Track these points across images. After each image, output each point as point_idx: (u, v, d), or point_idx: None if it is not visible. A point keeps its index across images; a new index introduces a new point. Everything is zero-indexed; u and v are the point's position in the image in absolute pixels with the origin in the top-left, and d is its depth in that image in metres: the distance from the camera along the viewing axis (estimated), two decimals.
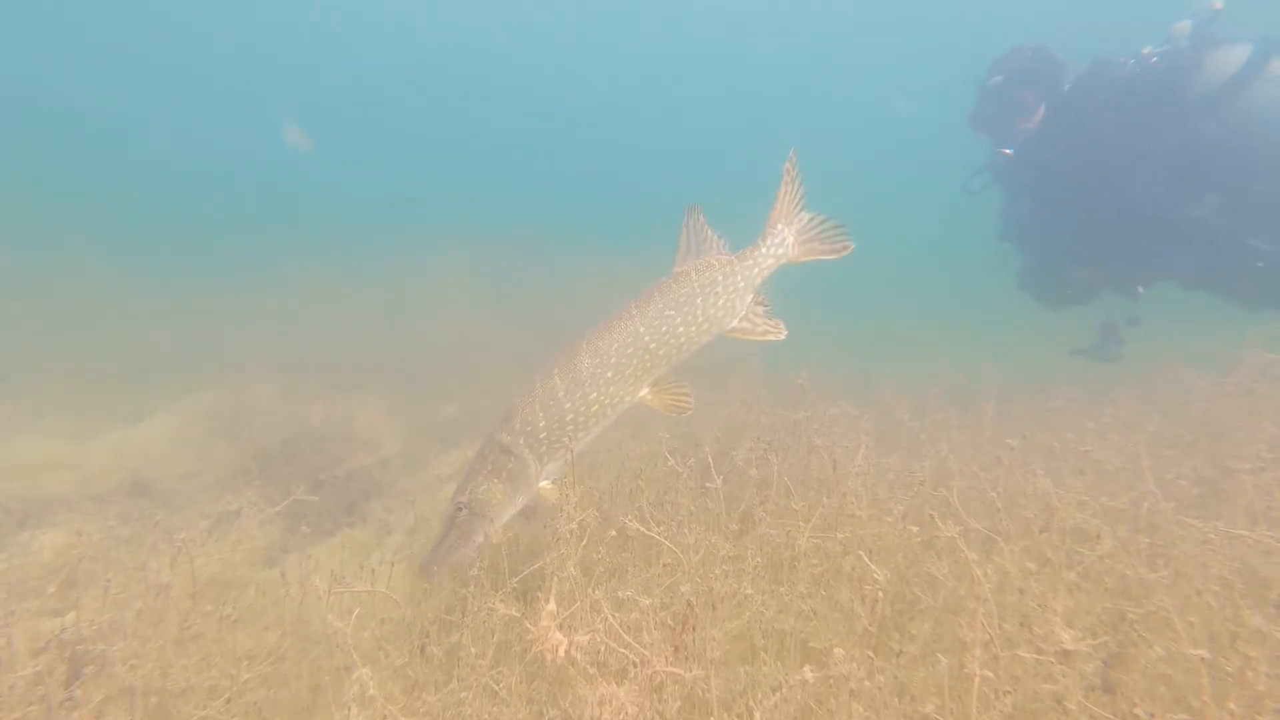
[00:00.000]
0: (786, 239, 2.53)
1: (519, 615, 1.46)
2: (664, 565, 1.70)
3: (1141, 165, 5.04)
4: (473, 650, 1.57)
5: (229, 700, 2.01)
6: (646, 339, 2.44)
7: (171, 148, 36.55)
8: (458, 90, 41.20)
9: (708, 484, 1.95)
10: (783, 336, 2.47)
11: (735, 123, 41.91)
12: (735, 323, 2.52)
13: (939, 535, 1.94)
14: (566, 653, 1.59)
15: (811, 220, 2.54)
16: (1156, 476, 1.94)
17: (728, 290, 2.50)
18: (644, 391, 2.51)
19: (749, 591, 1.58)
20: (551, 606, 1.75)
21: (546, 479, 2.57)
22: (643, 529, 1.66)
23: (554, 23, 34.80)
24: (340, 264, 12.14)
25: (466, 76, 39.96)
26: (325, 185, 37.59)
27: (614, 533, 1.75)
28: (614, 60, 38.59)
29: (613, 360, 2.44)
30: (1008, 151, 5.58)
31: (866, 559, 1.39)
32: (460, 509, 2.44)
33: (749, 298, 2.53)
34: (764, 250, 2.54)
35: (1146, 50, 5.24)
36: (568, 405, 2.45)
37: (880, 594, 1.17)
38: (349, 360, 7.58)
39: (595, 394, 2.45)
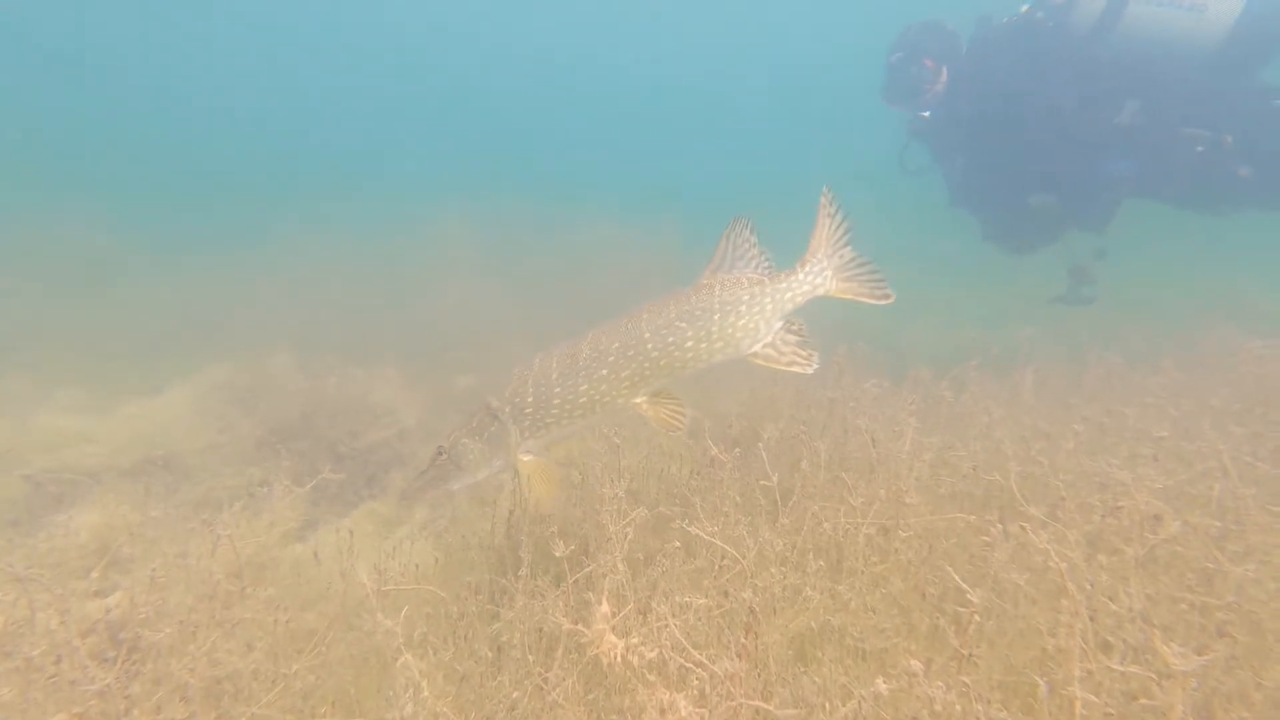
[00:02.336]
0: (825, 271, 2.39)
1: (578, 626, 1.42)
2: (720, 565, 1.66)
3: (1048, 89, 5.42)
4: (530, 658, 1.54)
5: (281, 688, 2.02)
6: (650, 346, 2.33)
7: (179, 117, 35.83)
8: (463, 54, 40.08)
9: (763, 481, 1.90)
10: (811, 370, 2.32)
11: (741, 91, 40.82)
12: (758, 348, 2.37)
13: (992, 521, 1.90)
14: (623, 657, 1.58)
15: (854, 259, 2.39)
16: (1219, 453, 1.87)
17: (751, 312, 2.34)
18: (640, 399, 2.42)
19: (810, 593, 1.55)
20: (605, 608, 1.73)
21: (527, 453, 2.54)
22: (700, 533, 1.62)
23: None
24: (350, 233, 11.97)
25: (474, 38, 38.78)
26: (334, 153, 36.94)
27: (677, 544, 1.71)
28: (623, 23, 37.32)
29: (611, 359, 2.36)
30: (925, 114, 5.96)
31: (954, 573, 1.34)
32: (440, 453, 2.52)
33: (777, 324, 2.37)
34: (800, 277, 2.38)
35: (1024, 8, 5.72)
36: (557, 390, 2.41)
37: (975, 616, 1.13)
38: (362, 331, 7.53)
39: (586, 386, 2.39)
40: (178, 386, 5.88)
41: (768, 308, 2.35)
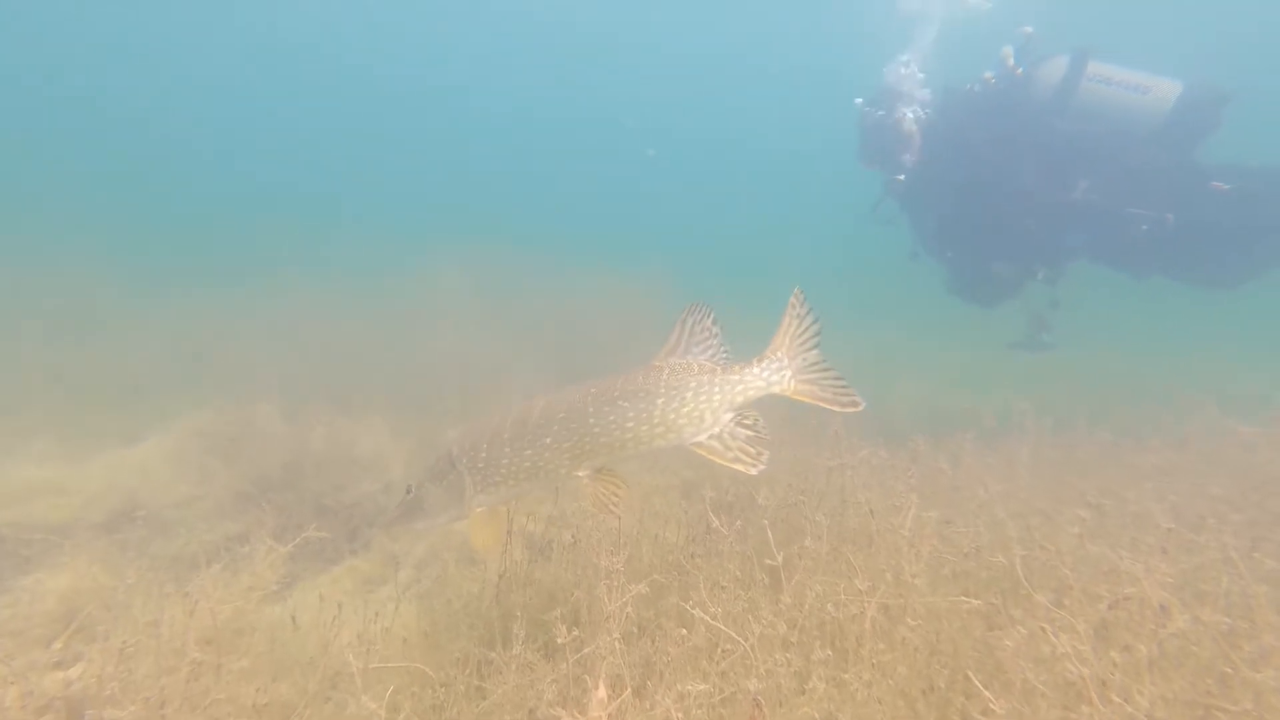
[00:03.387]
0: (785, 371, 2.31)
1: (576, 718, 1.36)
2: (722, 650, 1.61)
3: (1015, 164, 5.83)
4: None
5: None
6: (592, 421, 2.31)
7: (163, 155, 36.18)
8: (456, 99, 41.27)
9: (768, 560, 1.86)
10: (755, 471, 2.17)
11: (739, 139, 42.31)
12: (702, 438, 2.28)
13: (998, 605, 1.87)
14: None
15: (817, 363, 2.31)
16: (1225, 545, 1.86)
17: (697, 401, 2.28)
18: (582, 473, 2.37)
19: (815, 682, 1.50)
20: (601, 693, 1.66)
21: (480, 505, 2.53)
22: (702, 615, 1.57)
23: (550, 34, 34.88)
24: (339, 275, 11.97)
25: (466, 85, 40.02)
26: (322, 195, 37.40)
27: (683, 631, 1.66)
28: (617, 71, 38.81)
29: (554, 428, 2.34)
30: (900, 177, 6.37)
31: (973, 676, 1.30)
32: (409, 491, 2.61)
33: (726, 417, 2.28)
34: (755, 372, 2.31)
35: (988, 75, 6.15)
36: (506, 450, 2.41)
37: None
38: (349, 377, 7.44)
39: (530, 452, 2.38)
40: (157, 434, 5.74)
41: (715, 398, 2.28)
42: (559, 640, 1.52)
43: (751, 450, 2.22)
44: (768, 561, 1.90)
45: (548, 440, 2.34)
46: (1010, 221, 5.89)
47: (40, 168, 29.91)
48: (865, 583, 1.71)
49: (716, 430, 2.27)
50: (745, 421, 2.29)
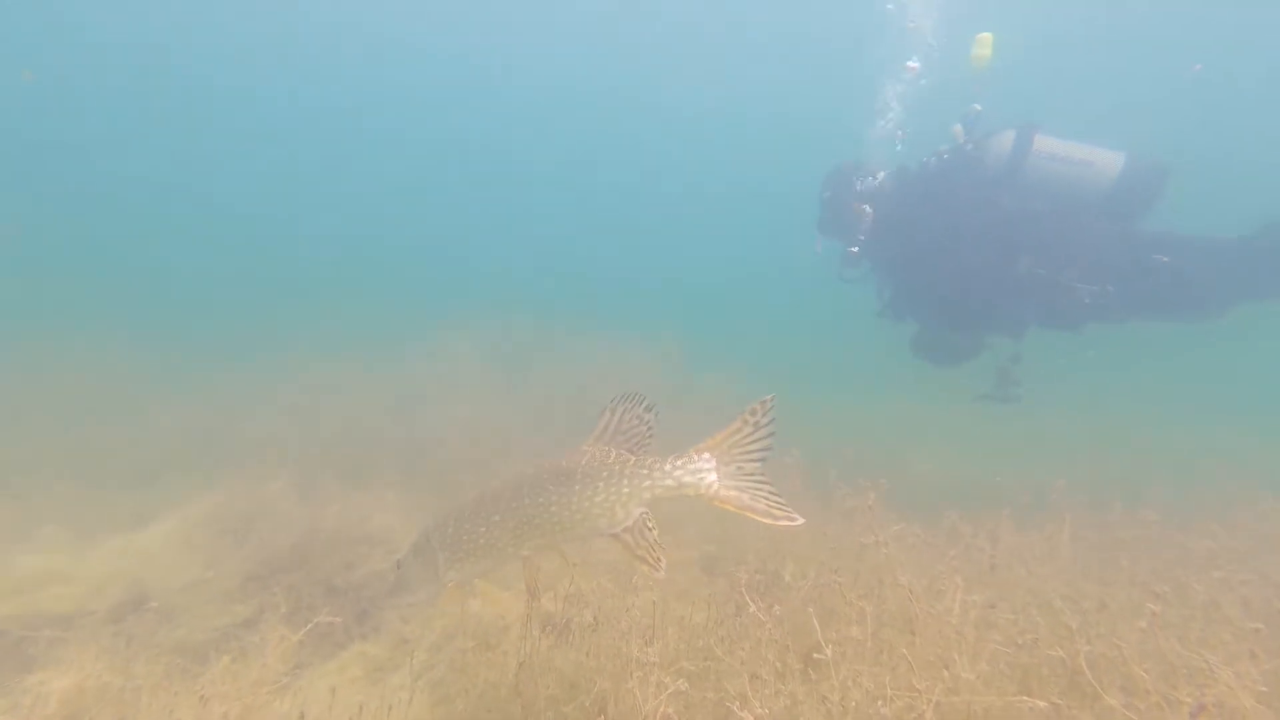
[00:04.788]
0: (706, 474, 2.15)
1: None
2: None
3: (962, 239, 6.02)
4: None
5: None
6: (526, 501, 2.33)
7: (174, 230, 36.93)
8: (470, 167, 42.71)
9: (815, 655, 1.76)
10: (658, 575, 2.09)
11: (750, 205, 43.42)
12: (618, 530, 2.20)
13: (1058, 704, 1.74)
14: None
15: (754, 474, 2.15)
16: None
17: (608, 491, 2.22)
18: (525, 552, 2.40)
19: None
20: None
21: (452, 580, 2.54)
22: (748, 718, 1.47)
23: (566, 100, 36.36)
24: (351, 345, 12.08)
25: (480, 153, 41.43)
26: (335, 265, 38.14)
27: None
28: (626, 143, 40.33)
29: (500, 506, 2.38)
30: (854, 250, 6.65)
31: None
32: (398, 565, 2.68)
33: (637, 511, 2.20)
34: (667, 469, 2.18)
35: (942, 150, 6.41)
36: (466, 527, 2.45)
37: None
38: (362, 451, 7.39)
39: (483, 529, 2.40)
40: (166, 517, 5.66)
41: (624, 491, 2.21)
42: None
43: (654, 554, 2.14)
44: (815, 656, 1.80)
45: (495, 519, 2.37)
46: (958, 294, 6.13)
47: (47, 248, 30.22)
48: (919, 679, 1.60)
49: (629, 524, 2.20)
50: (649, 523, 2.21)
